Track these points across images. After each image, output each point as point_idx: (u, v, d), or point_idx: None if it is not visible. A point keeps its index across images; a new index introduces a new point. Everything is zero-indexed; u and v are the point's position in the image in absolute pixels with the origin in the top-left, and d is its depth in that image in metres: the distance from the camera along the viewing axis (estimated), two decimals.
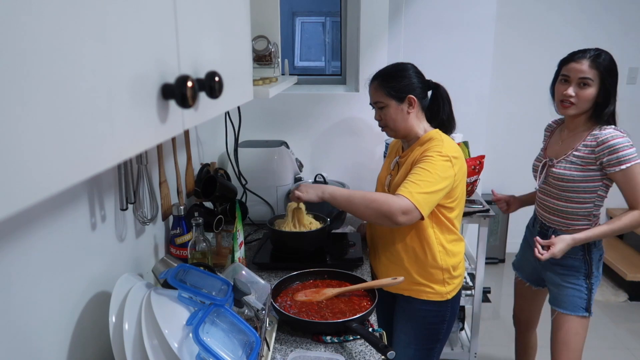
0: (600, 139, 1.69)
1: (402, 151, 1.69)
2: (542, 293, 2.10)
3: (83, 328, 1.03)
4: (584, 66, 1.71)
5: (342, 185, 2.20)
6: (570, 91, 1.73)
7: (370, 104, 1.67)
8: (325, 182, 2.20)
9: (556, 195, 1.83)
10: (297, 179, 2.28)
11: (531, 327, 2.24)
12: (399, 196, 1.43)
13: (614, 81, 1.73)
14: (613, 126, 1.73)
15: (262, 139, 2.34)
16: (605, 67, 1.70)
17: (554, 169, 1.81)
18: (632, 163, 1.66)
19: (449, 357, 2.63)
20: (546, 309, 2.02)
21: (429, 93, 1.67)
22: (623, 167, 1.66)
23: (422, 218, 1.46)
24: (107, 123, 0.43)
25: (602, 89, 1.71)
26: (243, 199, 2.11)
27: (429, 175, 1.46)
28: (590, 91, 1.71)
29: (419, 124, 1.62)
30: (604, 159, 1.68)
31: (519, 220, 3.58)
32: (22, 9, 0.32)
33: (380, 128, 1.68)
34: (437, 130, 1.63)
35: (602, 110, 1.73)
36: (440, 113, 1.67)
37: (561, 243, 1.74)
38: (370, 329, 1.36)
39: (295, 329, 1.37)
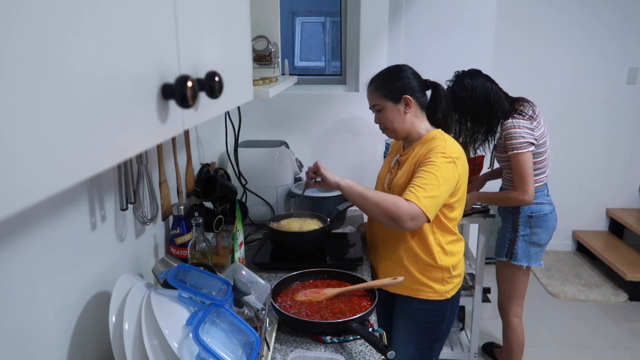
0: None
1: (403, 149, 1.69)
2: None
3: (83, 328, 1.03)
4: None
5: None
6: None
7: (370, 108, 1.68)
8: None
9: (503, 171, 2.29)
10: (297, 179, 2.28)
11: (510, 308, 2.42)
12: (408, 201, 1.44)
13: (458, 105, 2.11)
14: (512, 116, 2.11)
15: (262, 139, 2.34)
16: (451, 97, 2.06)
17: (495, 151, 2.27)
18: (514, 152, 2.04)
19: (449, 357, 2.63)
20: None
21: (429, 93, 1.67)
22: (509, 153, 2.05)
23: (429, 221, 1.47)
24: (107, 123, 0.43)
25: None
26: (243, 199, 2.10)
27: (434, 179, 1.47)
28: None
29: (419, 124, 1.62)
30: (505, 143, 2.10)
31: None
32: (19, 9, 0.32)
33: (382, 131, 1.68)
34: (440, 130, 1.63)
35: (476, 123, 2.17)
36: (438, 112, 1.67)
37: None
38: (370, 329, 1.36)
39: (295, 329, 1.37)
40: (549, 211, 2.19)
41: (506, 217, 2.25)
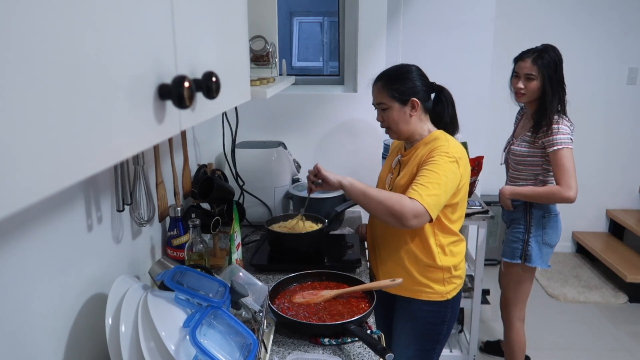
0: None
1: (405, 150, 1.69)
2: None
3: (79, 330, 1.02)
4: (527, 64, 2.10)
5: None
6: (520, 84, 2.12)
7: (373, 104, 1.66)
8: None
9: (512, 167, 2.22)
10: (295, 180, 2.27)
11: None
12: (412, 199, 1.43)
13: (556, 74, 2.09)
14: (559, 114, 2.08)
15: (259, 139, 2.33)
16: (545, 64, 2.08)
17: (512, 146, 2.20)
18: (561, 147, 1.99)
19: (448, 359, 2.63)
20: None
21: (432, 95, 1.66)
22: (554, 148, 2.00)
23: (431, 220, 1.46)
24: (103, 123, 0.43)
25: (545, 81, 2.07)
26: (240, 200, 2.10)
27: (436, 177, 1.46)
28: (534, 84, 2.08)
29: (422, 125, 1.62)
30: (544, 139, 2.04)
31: None
32: (18, 9, 0.31)
33: (383, 130, 1.67)
34: (442, 131, 1.62)
35: (549, 99, 2.07)
36: (444, 116, 1.66)
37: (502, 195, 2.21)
38: (368, 331, 1.35)
39: (293, 331, 1.37)
40: (558, 212, 2.19)
41: (517, 219, 2.20)
